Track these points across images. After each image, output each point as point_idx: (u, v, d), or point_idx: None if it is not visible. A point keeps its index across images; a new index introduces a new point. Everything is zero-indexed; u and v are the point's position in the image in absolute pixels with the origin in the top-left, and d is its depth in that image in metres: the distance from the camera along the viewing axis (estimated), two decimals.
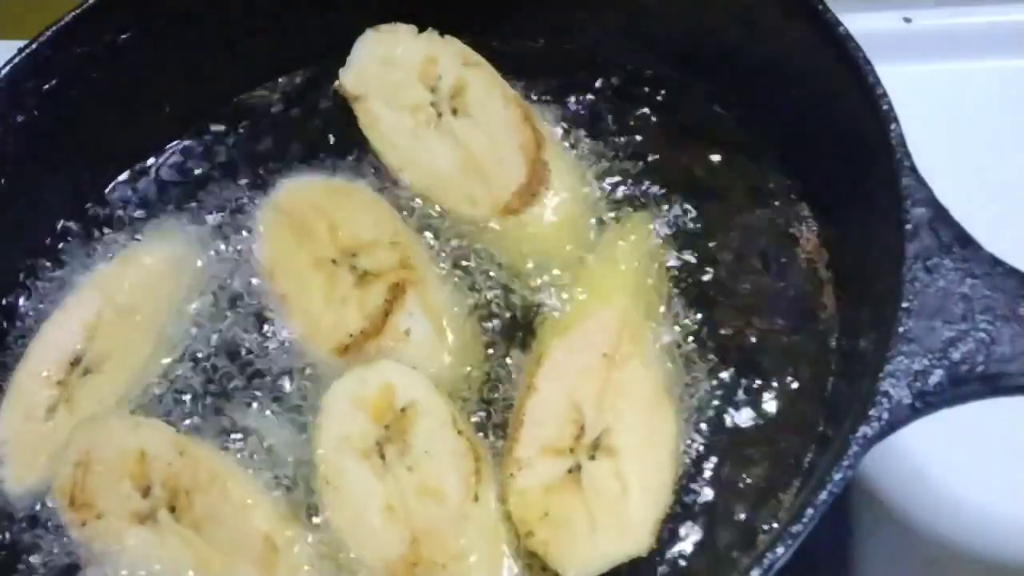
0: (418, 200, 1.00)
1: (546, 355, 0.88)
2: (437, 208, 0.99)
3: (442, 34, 1.05)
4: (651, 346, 0.89)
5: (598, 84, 1.05)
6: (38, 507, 0.90)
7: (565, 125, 1.03)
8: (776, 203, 0.96)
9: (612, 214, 0.97)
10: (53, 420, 0.93)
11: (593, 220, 0.97)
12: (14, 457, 0.92)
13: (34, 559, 0.88)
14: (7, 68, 0.97)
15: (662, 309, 0.91)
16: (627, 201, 0.98)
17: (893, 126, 0.79)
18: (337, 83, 1.05)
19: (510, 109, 1.00)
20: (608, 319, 0.89)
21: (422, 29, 1.05)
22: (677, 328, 0.91)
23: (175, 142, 1.10)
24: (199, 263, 1.00)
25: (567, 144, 1.02)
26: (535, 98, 1.04)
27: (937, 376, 0.72)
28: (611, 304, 0.90)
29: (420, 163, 1.00)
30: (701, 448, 0.86)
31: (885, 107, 0.80)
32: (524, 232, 0.96)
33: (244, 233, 1.01)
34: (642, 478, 0.82)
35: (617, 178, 0.99)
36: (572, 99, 1.04)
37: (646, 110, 1.03)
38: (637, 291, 0.92)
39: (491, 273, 0.96)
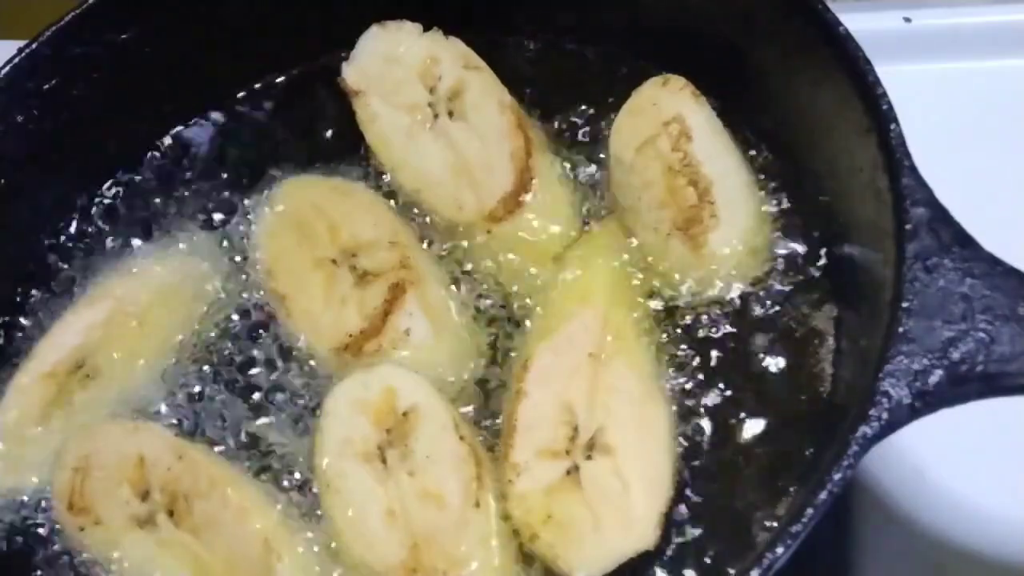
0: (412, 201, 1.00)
1: (532, 359, 0.88)
2: (427, 210, 0.99)
3: (447, 34, 1.04)
4: (637, 342, 0.89)
5: (597, 90, 1.04)
6: (36, 510, 0.90)
7: (559, 131, 1.03)
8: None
9: (601, 213, 0.97)
10: (52, 422, 0.93)
11: (578, 224, 0.97)
12: (12, 457, 0.92)
13: (31, 562, 0.88)
14: (7, 68, 0.97)
15: (641, 308, 0.91)
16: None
17: (893, 126, 0.79)
18: (339, 78, 1.04)
19: (505, 115, 0.99)
20: (590, 319, 0.89)
21: (427, 28, 1.04)
22: (665, 324, 0.91)
23: (175, 141, 1.10)
24: (205, 268, 1.00)
25: (559, 151, 1.01)
26: (532, 105, 1.04)
27: (937, 376, 0.72)
28: (592, 304, 0.90)
29: (412, 164, 1.00)
30: (697, 445, 0.86)
31: (885, 107, 0.80)
32: (510, 237, 0.96)
33: (244, 233, 1.01)
34: (641, 473, 0.82)
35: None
36: (570, 106, 1.04)
37: None
38: (618, 290, 0.92)
39: (487, 275, 0.96)
